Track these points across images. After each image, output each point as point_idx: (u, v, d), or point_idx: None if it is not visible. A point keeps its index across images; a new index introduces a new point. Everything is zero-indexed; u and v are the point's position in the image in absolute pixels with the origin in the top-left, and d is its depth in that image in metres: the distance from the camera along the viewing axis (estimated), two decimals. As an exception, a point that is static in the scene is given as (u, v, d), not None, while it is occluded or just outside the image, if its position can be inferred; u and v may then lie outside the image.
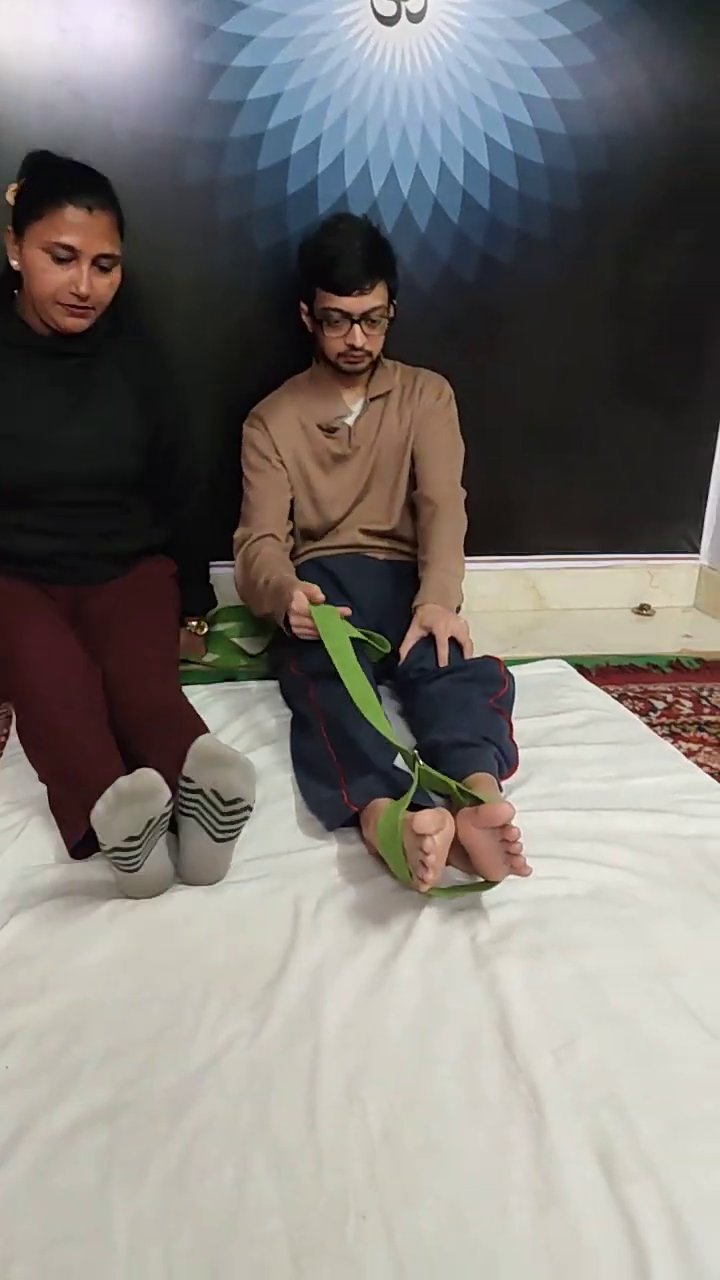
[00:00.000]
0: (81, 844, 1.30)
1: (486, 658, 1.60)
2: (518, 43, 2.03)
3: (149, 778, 1.15)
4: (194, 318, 2.03)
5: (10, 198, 1.50)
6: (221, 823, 1.21)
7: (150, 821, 1.15)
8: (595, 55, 2.07)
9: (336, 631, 1.47)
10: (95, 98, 1.87)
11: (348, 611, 1.55)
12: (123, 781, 1.14)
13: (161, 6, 1.85)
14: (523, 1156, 0.90)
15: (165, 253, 1.97)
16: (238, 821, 1.23)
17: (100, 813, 1.13)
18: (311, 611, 1.51)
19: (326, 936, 1.18)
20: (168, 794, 1.17)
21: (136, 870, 1.19)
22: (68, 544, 1.65)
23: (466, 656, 1.61)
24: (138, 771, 1.15)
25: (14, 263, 1.51)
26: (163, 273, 1.98)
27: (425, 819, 1.12)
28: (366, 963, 1.13)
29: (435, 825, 1.12)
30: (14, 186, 1.50)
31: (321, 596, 1.55)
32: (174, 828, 1.27)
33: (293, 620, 1.56)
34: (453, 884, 1.27)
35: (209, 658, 2.01)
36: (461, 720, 1.45)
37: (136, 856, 1.17)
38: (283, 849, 1.36)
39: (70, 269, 1.46)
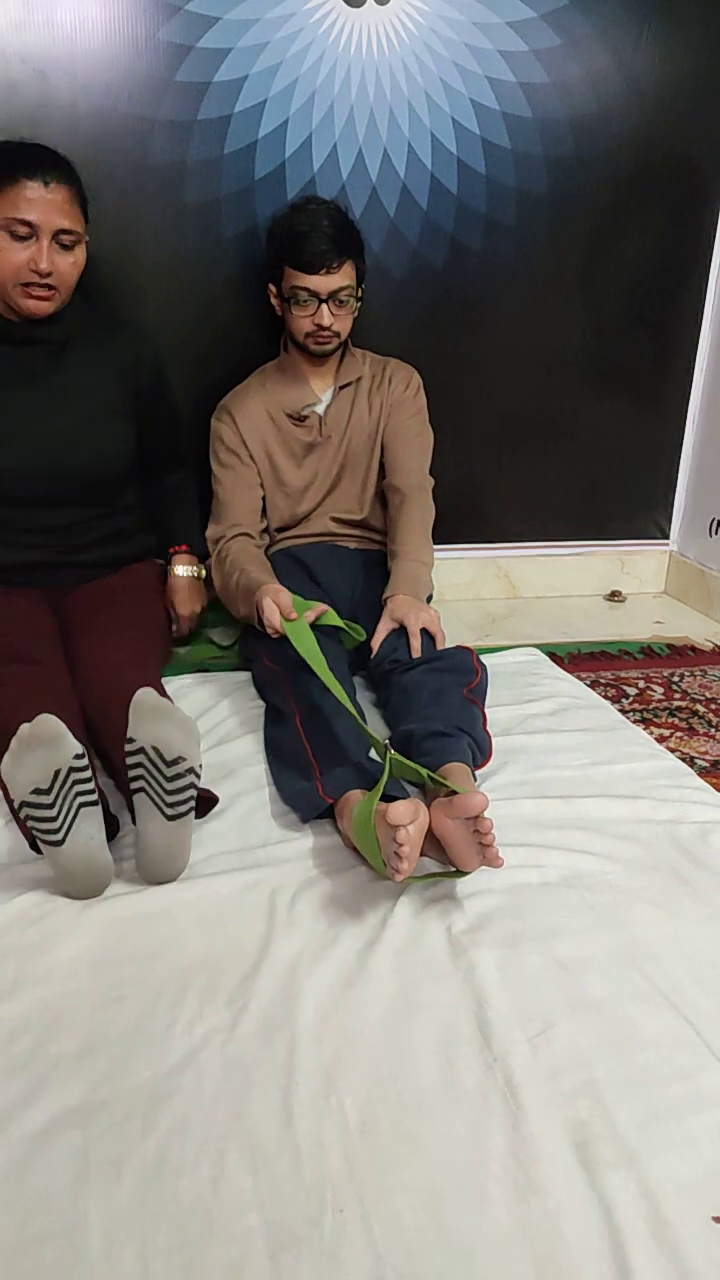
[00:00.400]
0: (35, 841, 1.28)
1: (459, 648, 1.60)
2: (484, 25, 2.01)
3: (50, 723, 1.13)
4: (160, 303, 2.00)
5: None
6: (168, 790, 1.18)
7: (58, 773, 1.13)
8: (561, 39, 2.05)
9: (309, 648, 1.47)
10: (59, 77, 1.83)
11: (325, 608, 1.56)
12: (24, 727, 1.12)
13: (125, -16, 1.81)
14: (500, 1146, 0.90)
15: (131, 236, 1.94)
16: (184, 789, 1.19)
17: (6, 764, 1.12)
18: (285, 629, 1.51)
19: (302, 930, 1.17)
20: (75, 746, 1.14)
21: (59, 842, 1.15)
22: (49, 554, 1.62)
23: (438, 647, 1.61)
24: (39, 718, 1.13)
25: None
26: (129, 256, 1.95)
27: (399, 810, 1.11)
28: (342, 955, 1.13)
29: (409, 816, 1.12)
30: None
31: (293, 612, 1.53)
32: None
33: (269, 630, 1.56)
34: (426, 873, 1.27)
35: (180, 650, 1.99)
36: (435, 710, 1.45)
37: (54, 818, 1.13)
38: (258, 842, 1.35)
39: (29, 247, 1.43)
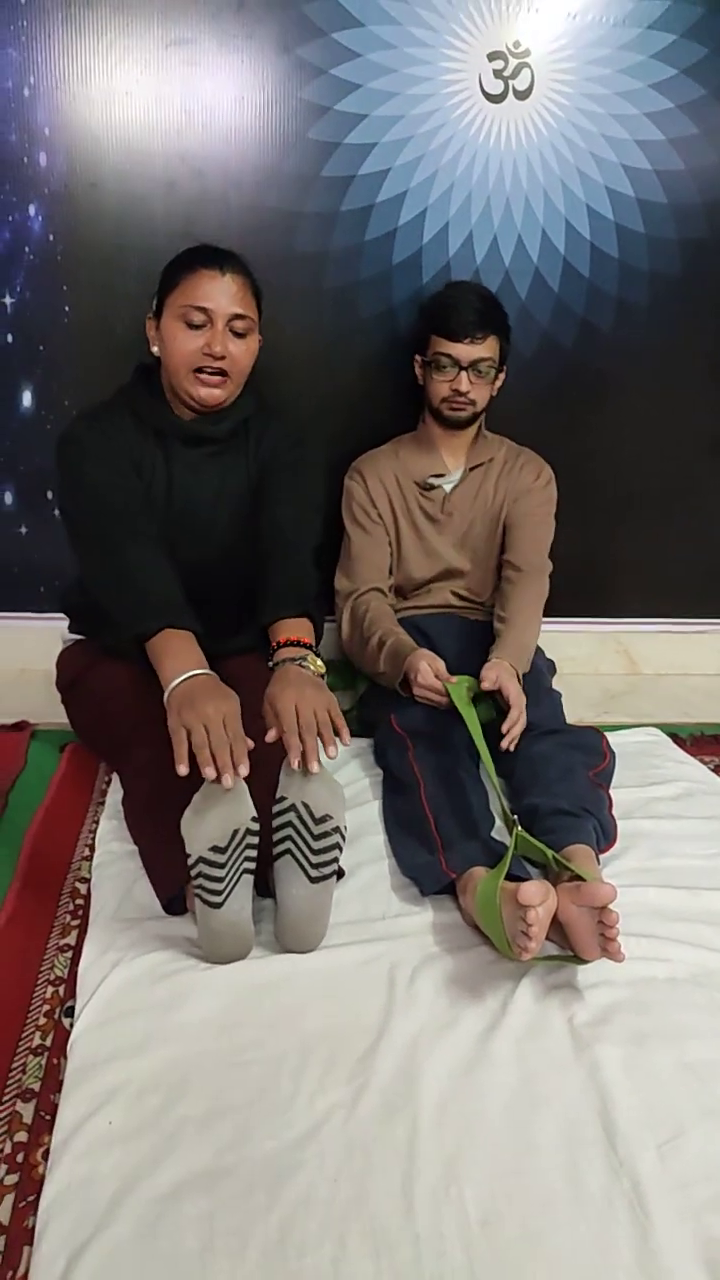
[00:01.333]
0: (172, 901, 1.33)
1: (590, 729, 1.59)
2: (621, 117, 2.07)
3: (232, 783, 1.16)
4: (297, 382, 2.09)
5: (151, 318, 1.53)
6: (314, 850, 1.21)
7: (235, 832, 1.16)
8: (698, 127, 2.09)
9: (469, 714, 1.50)
10: (214, 174, 1.96)
11: (473, 680, 1.59)
12: (208, 784, 1.16)
13: (280, 89, 1.94)
14: (626, 1257, 0.88)
15: (272, 320, 2.04)
16: (329, 848, 1.21)
17: (188, 820, 1.15)
18: (449, 690, 1.55)
19: (422, 1007, 1.18)
20: (252, 808, 1.18)
21: (219, 905, 1.17)
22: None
23: (514, 718, 1.59)
24: (221, 777, 1.16)
25: (154, 348, 1.52)
26: (269, 339, 2.04)
27: (530, 891, 1.12)
28: (463, 1038, 1.13)
29: (540, 898, 1.12)
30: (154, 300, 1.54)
31: (446, 673, 1.57)
32: (269, 894, 1.28)
33: (417, 692, 1.59)
34: (547, 955, 1.25)
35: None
36: (561, 787, 1.45)
37: (221, 879, 1.16)
38: (378, 914, 1.36)
39: (204, 333, 1.47)
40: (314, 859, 1.21)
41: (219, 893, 1.17)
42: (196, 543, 1.57)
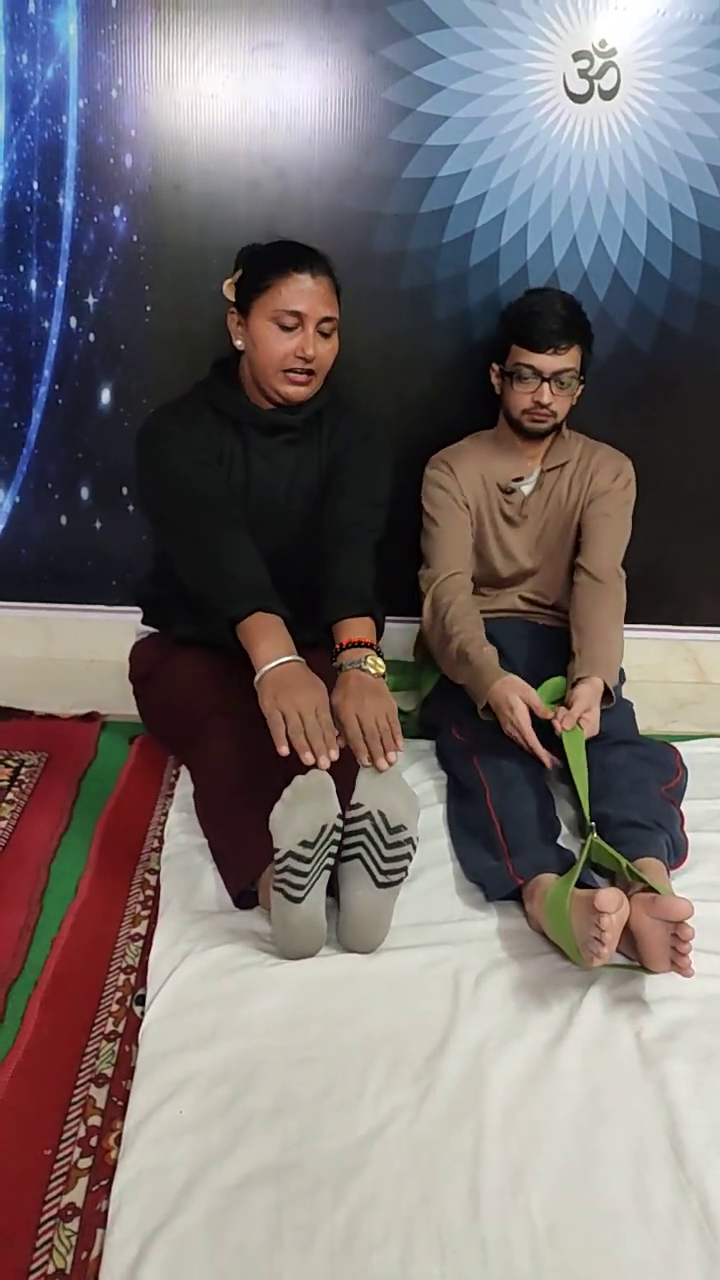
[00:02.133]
0: (243, 896, 1.35)
1: (664, 745, 1.58)
2: (708, 115, 2.03)
3: (322, 778, 1.18)
4: (372, 382, 2.09)
5: (229, 291, 1.58)
6: (385, 858, 1.22)
7: (324, 828, 1.17)
8: (789, 125, 2.04)
9: (578, 760, 1.47)
10: (296, 175, 1.98)
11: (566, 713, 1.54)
12: (299, 779, 1.18)
13: (364, 90, 1.95)
14: (695, 1276, 0.88)
15: (348, 318, 2.04)
16: (400, 858, 1.23)
17: (278, 814, 1.17)
18: (565, 739, 1.49)
19: (488, 1014, 1.18)
20: (338, 805, 1.20)
21: (299, 899, 1.20)
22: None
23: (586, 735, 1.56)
24: (312, 771, 1.18)
25: (239, 343, 1.57)
26: (345, 339, 2.05)
27: (606, 897, 1.12)
28: (529, 1047, 1.13)
29: (615, 905, 1.12)
30: (230, 280, 1.58)
31: (547, 711, 1.52)
32: (332, 893, 1.29)
33: (507, 730, 1.54)
34: (615, 964, 1.24)
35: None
36: (634, 799, 1.43)
37: (305, 874, 1.18)
38: (441, 918, 1.37)
39: (296, 336, 1.51)
40: (384, 865, 1.23)
41: (301, 887, 1.19)
42: (272, 531, 1.60)
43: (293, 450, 1.64)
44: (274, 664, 1.31)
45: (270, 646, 1.33)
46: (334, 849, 1.22)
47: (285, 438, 1.62)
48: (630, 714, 1.71)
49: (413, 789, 1.26)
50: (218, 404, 1.61)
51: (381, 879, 1.23)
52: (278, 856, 1.18)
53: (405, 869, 1.24)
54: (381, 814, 1.21)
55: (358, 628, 1.44)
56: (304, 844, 1.16)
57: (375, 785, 1.23)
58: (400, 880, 1.25)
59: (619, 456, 1.91)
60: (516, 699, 1.51)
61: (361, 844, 1.24)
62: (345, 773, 1.26)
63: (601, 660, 1.66)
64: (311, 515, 1.63)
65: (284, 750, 1.23)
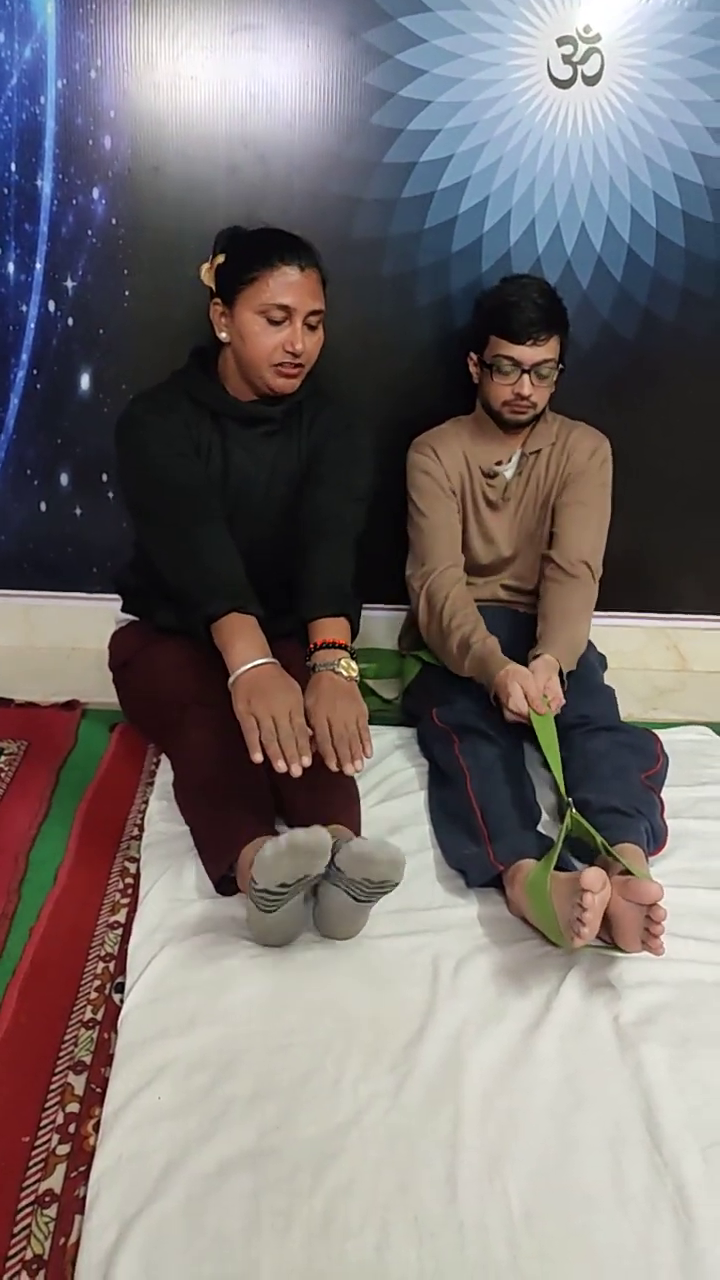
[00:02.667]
0: (224, 881, 1.34)
1: (646, 732, 1.58)
2: (693, 103, 2.02)
3: (321, 838, 1.15)
4: (352, 369, 2.07)
5: (208, 277, 1.54)
6: (365, 894, 1.22)
7: (305, 878, 1.17)
8: (772, 114, 2.04)
9: (550, 742, 1.47)
10: (277, 160, 1.96)
11: (560, 700, 1.53)
12: (299, 834, 1.14)
13: (345, 74, 1.93)
14: (669, 1258, 0.88)
15: (330, 305, 2.03)
16: (382, 894, 1.23)
17: (266, 856, 1.15)
18: (534, 721, 1.49)
19: (466, 1000, 1.18)
20: (328, 859, 1.18)
21: (272, 913, 1.21)
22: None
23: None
24: (313, 828, 1.16)
25: (223, 334, 1.53)
26: (326, 325, 2.04)
27: (591, 876, 1.14)
28: (507, 1033, 1.13)
29: (599, 884, 1.14)
30: (209, 265, 1.55)
31: (543, 706, 1.50)
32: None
33: (509, 717, 1.54)
34: (589, 944, 1.25)
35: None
36: (615, 785, 1.44)
37: (278, 903, 1.19)
38: (422, 904, 1.37)
39: (284, 329, 1.48)
40: (362, 896, 1.22)
41: (273, 909, 1.20)
42: (250, 522, 1.59)
43: (272, 441, 1.62)
44: (249, 666, 1.31)
45: (245, 647, 1.33)
46: (312, 883, 1.21)
47: (265, 429, 1.60)
48: (612, 701, 1.72)
49: (398, 846, 1.21)
50: (195, 394, 1.59)
51: (361, 900, 1.23)
52: (255, 886, 1.18)
53: (382, 898, 1.24)
54: (367, 879, 1.19)
55: (333, 628, 1.43)
56: (282, 885, 1.16)
57: (362, 861, 1.18)
58: (376, 901, 1.25)
59: (595, 434, 1.88)
60: (515, 686, 1.50)
61: (343, 884, 1.22)
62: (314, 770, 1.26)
63: (562, 642, 1.64)
64: (291, 506, 1.61)
65: (257, 758, 1.23)
